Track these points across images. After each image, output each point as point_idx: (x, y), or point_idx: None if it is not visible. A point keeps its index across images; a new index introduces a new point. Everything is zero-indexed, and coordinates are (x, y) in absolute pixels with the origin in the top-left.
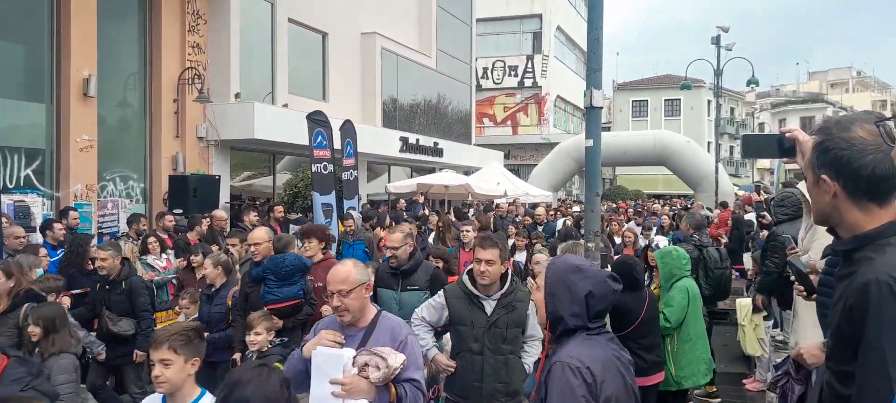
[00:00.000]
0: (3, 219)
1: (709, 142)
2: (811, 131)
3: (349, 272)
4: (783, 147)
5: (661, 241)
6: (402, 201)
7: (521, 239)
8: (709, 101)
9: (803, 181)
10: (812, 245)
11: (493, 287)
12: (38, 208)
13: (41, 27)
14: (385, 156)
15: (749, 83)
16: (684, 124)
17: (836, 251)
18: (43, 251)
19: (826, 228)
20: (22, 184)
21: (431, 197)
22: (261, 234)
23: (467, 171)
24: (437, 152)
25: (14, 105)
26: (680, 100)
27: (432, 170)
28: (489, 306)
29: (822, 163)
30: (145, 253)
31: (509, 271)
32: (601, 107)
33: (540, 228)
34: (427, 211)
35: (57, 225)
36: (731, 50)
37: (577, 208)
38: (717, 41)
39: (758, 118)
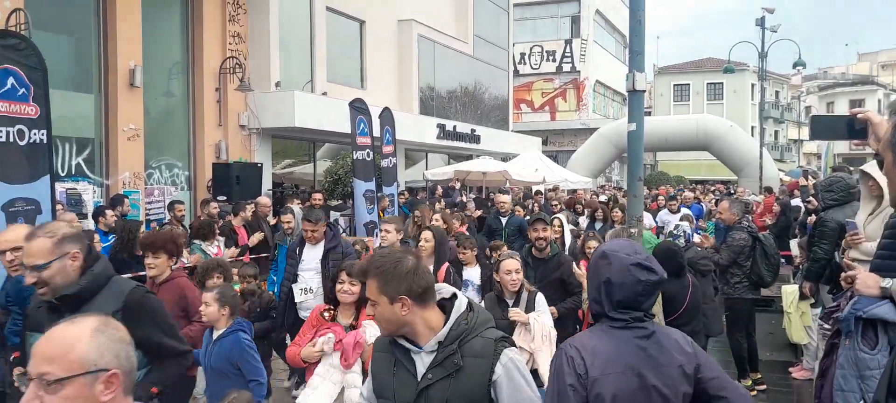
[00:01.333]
0: (58, 206)
1: (752, 127)
2: (890, 110)
3: (73, 341)
4: (853, 128)
5: (685, 227)
6: (440, 188)
7: (465, 251)
8: (753, 85)
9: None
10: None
11: (427, 333)
12: (89, 195)
13: (88, 20)
14: (422, 144)
15: (795, 65)
16: (727, 108)
17: None
18: (96, 237)
19: None
20: (73, 172)
21: (469, 183)
22: (15, 236)
23: (505, 158)
24: (475, 139)
25: (65, 96)
26: (722, 83)
27: (469, 157)
28: (421, 364)
29: None
30: (202, 239)
31: (460, 301)
32: (644, 91)
33: (503, 221)
34: (464, 198)
35: (108, 212)
36: (776, 31)
37: (603, 197)
38: (761, 22)
39: (804, 101)
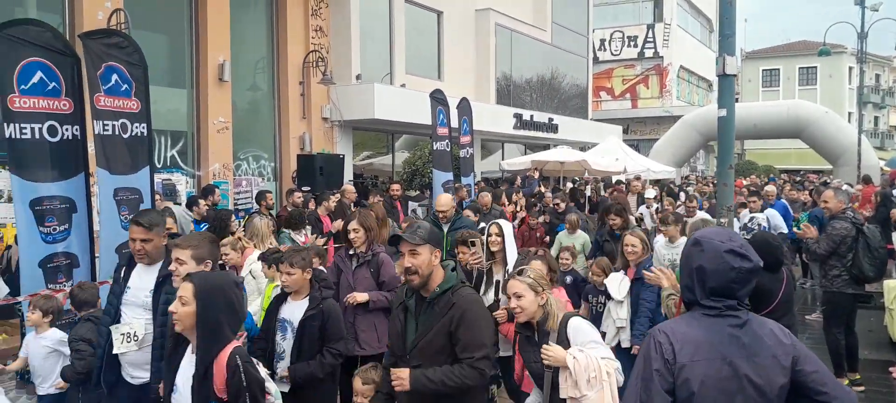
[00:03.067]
0: (156, 197)
1: (849, 113)
2: None
3: None
4: None
5: (761, 220)
6: (519, 178)
7: (290, 271)
8: (850, 68)
9: None
10: None
11: None
12: (183, 186)
13: (181, 18)
14: (499, 134)
15: None
16: (821, 93)
17: None
18: (191, 225)
19: None
20: (168, 163)
21: (546, 174)
22: None
23: (584, 147)
24: (552, 128)
25: (160, 91)
26: (816, 67)
27: (546, 147)
28: None
29: None
30: (292, 228)
31: None
32: (735, 75)
33: (445, 228)
34: (543, 188)
35: (201, 202)
36: (877, 10)
37: (651, 192)
38: (861, 1)
39: None
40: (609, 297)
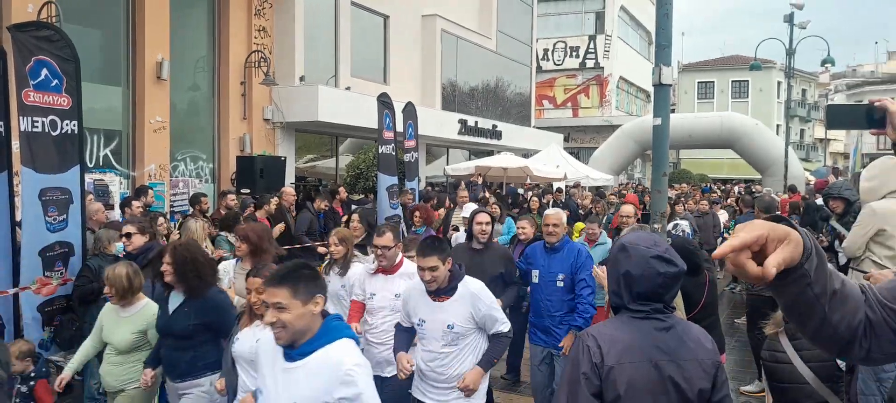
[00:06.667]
0: (88, 197)
1: (778, 125)
2: None
3: None
4: (872, 118)
5: (684, 226)
6: (463, 183)
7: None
8: (779, 83)
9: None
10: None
11: None
12: (116, 186)
13: (117, 13)
14: (444, 139)
15: (824, 63)
16: (752, 106)
17: None
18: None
19: None
20: (101, 163)
21: (490, 179)
22: None
23: (526, 154)
24: (496, 135)
25: (94, 89)
26: (748, 81)
27: (491, 153)
28: None
29: None
30: (228, 231)
31: None
32: (670, 85)
33: None
34: (487, 194)
35: (134, 203)
36: (805, 28)
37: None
38: (790, 19)
39: (832, 100)
40: None
